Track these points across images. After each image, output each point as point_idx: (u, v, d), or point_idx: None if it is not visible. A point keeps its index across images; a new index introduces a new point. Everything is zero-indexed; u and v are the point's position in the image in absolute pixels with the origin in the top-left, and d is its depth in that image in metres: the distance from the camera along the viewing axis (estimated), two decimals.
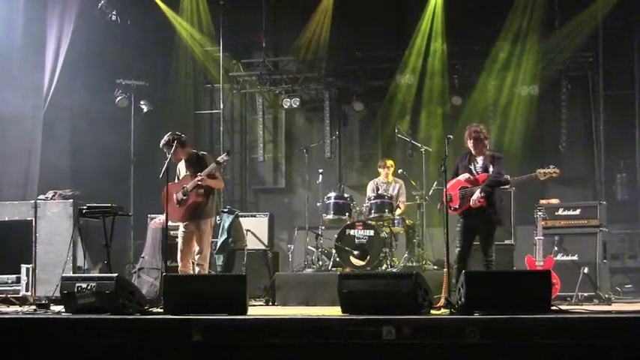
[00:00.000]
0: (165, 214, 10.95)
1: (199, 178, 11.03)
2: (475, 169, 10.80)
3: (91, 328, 8.73)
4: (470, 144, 10.79)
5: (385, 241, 13.27)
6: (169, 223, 11.05)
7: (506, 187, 13.08)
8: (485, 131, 10.88)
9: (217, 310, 8.95)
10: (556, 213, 12.86)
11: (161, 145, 11.35)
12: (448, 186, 10.96)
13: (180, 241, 11.37)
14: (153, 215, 13.27)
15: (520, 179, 11.48)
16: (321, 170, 14.44)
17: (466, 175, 10.77)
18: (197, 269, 11.23)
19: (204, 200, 11.19)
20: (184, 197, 11.12)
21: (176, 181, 11.35)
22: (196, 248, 11.28)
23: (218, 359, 8.39)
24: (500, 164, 10.81)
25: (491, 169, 10.71)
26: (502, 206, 11.01)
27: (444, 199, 11.00)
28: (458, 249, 10.77)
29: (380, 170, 14.35)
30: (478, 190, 10.58)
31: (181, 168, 11.45)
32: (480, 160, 10.82)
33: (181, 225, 11.31)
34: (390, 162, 14.38)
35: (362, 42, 17.43)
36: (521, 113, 16.43)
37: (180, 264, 11.31)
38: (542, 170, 10.89)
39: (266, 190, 18.64)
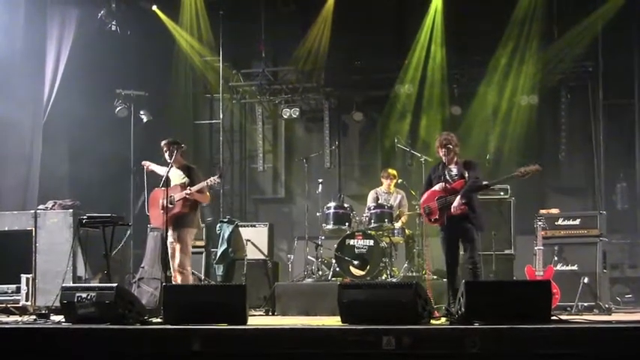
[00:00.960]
0: (157, 219, 11.11)
1: (189, 192, 11.28)
2: (450, 177, 10.75)
3: (91, 338, 8.73)
4: (441, 152, 10.77)
5: (385, 251, 13.27)
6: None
7: (500, 194, 13.15)
8: (456, 139, 10.87)
9: (217, 320, 8.95)
10: (556, 223, 12.85)
11: (163, 143, 11.53)
12: (424, 198, 10.99)
13: (169, 251, 11.49)
14: (152, 225, 13.29)
15: (501, 180, 11.47)
16: (320, 180, 14.46)
17: (442, 185, 10.71)
18: (179, 278, 11.28)
19: (188, 211, 11.40)
20: (171, 206, 11.22)
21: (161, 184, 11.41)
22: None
23: None
24: (477, 169, 10.81)
25: (467, 175, 10.67)
26: (481, 212, 10.92)
27: (422, 212, 11.03)
28: (447, 261, 10.73)
29: (383, 180, 14.36)
30: (458, 197, 10.51)
31: (171, 176, 11.47)
32: (453, 167, 10.78)
33: (169, 235, 11.40)
34: (393, 172, 14.40)
35: (361, 52, 17.46)
36: (520, 123, 16.43)
37: (173, 273, 11.39)
38: (522, 169, 10.75)
39: (266, 200, 18.64)
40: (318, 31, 17.39)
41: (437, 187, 10.77)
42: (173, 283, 11.16)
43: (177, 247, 11.37)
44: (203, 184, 11.32)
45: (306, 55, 17.63)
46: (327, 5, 17.22)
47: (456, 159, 10.82)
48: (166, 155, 11.50)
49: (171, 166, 11.40)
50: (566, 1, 16.31)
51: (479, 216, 10.73)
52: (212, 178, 11.41)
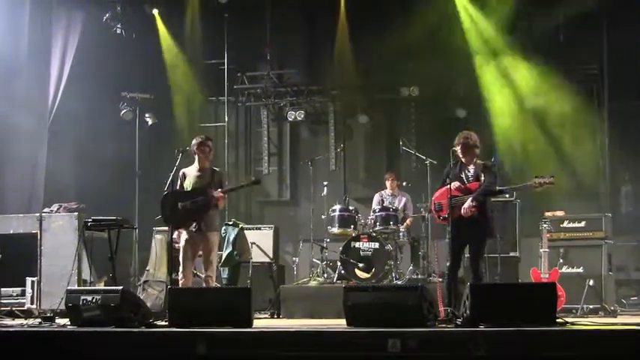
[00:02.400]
0: (170, 226, 11.04)
1: (221, 194, 11.11)
2: (466, 178, 10.62)
3: (96, 341, 8.74)
4: (459, 150, 10.64)
5: (390, 254, 13.26)
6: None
7: (505, 197, 13.11)
8: (476, 139, 10.69)
9: (222, 322, 8.95)
10: (561, 225, 12.86)
11: (197, 141, 11.36)
12: (437, 194, 10.92)
13: (183, 252, 11.20)
14: (158, 228, 13.30)
15: (515, 188, 11.43)
16: (325, 183, 14.48)
17: (457, 184, 10.53)
18: (208, 282, 11.23)
19: (210, 213, 11.22)
20: (192, 208, 11.05)
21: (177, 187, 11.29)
22: (197, 260, 11.37)
23: None
24: (493, 174, 10.65)
25: (482, 178, 10.56)
26: (493, 217, 10.79)
27: (432, 208, 10.97)
28: (448, 262, 10.68)
29: (386, 183, 14.41)
30: (470, 199, 10.37)
31: (190, 177, 11.33)
32: (471, 168, 10.62)
33: (184, 236, 11.21)
34: (393, 174, 14.44)
35: (366, 55, 17.42)
36: (525, 125, 16.40)
37: (181, 275, 11.17)
38: (537, 180, 10.69)
39: (271, 202, 18.62)
40: (324, 34, 17.36)
41: (452, 185, 10.66)
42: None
43: (204, 250, 11.20)
44: (240, 186, 11.27)
45: (311, 58, 17.61)
46: (333, 8, 17.18)
47: (475, 160, 10.67)
48: (200, 152, 11.33)
49: (190, 165, 11.34)
50: (571, 3, 16.27)
51: (489, 221, 10.57)
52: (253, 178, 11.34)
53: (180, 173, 11.22)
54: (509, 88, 16.43)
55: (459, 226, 10.44)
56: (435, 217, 11.22)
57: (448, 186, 10.59)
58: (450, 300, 10.34)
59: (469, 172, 10.63)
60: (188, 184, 11.26)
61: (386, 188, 14.43)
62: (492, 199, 11.06)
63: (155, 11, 17.19)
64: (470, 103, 16.72)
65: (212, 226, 11.28)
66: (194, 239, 11.18)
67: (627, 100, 16.15)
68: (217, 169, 11.68)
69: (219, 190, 11.13)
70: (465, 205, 10.39)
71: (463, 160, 10.63)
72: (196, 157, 11.37)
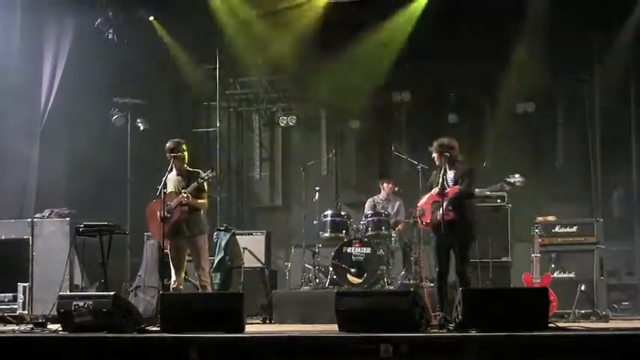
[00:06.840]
0: (157, 232, 11.02)
1: (183, 196, 10.94)
2: (447, 183, 10.71)
3: (88, 346, 8.72)
4: (436, 157, 10.79)
5: (382, 259, 13.26)
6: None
7: (497, 202, 13.14)
8: (455, 144, 10.85)
9: (214, 328, 8.94)
10: (553, 230, 12.89)
11: (170, 145, 11.29)
12: (421, 201, 10.98)
13: (171, 258, 11.17)
14: (149, 233, 13.27)
15: (488, 189, 11.46)
16: (317, 188, 14.46)
17: (438, 189, 10.64)
18: (205, 287, 11.17)
19: (190, 216, 11.12)
20: (168, 215, 10.94)
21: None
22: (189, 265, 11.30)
23: None
24: (471, 177, 10.78)
25: (460, 181, 10.67)
26: (475, 221, 10.88)
27: (416, 215, 11.02)
28: (436, 269, 10.72)
29: (381, 187, 14.44)
30: (445, 203, 10.48)
31: (170, 183, 11.26)
32: (452, 173, 10.76)
33: (170, 242, 11.15)
34: (389, 180, 14.47)
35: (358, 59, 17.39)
36: (517, 130, 16.41)
37: (173, 281, 11.15)
38: (508, 180, 10.80)
39: (263, 207, 18.60)
40: (316, 39, 17.33)
41: (433, 191, 10.77)
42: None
43: (193, 254, 11.17)
44: (194, 184, 10.99)
45: (302, 63, 17.59)
46: (325, 13, 17.14)
47: (455, 164, 10.80)
48: (174, 159, 11.28)
49: (171, 171, 11.28)
50: (563, 8, 16.28)
51: (470, 224, 10.71)
52: (206, 173, 11.16)
53: (163, 182, 11.15)
54: (501, 92, 16.42)
55: (441, 231, 10.53)
56: (418, 222, 11.28)
57: (431, 192, 10.76)
58: (442, 305, 10.41)
59: (450, 176, 10.72)
60: (169, 190, 11.18)
61: (379, 193, 14.45)
62: (482, 204, 11.11)
63: (151, 18, 17.13)
64: (461, 109, 16.73)
65: (197, 229, 11.19)
66: (179, 244, 11.14)
67: (618, 104, 16.15)
68: (195, 169, 11.46)
69: (183, 190, 11.03)
70: (442, 209, 10.45)
71: (443, 165, 10.71)
72: (171, 161, 11.31)
